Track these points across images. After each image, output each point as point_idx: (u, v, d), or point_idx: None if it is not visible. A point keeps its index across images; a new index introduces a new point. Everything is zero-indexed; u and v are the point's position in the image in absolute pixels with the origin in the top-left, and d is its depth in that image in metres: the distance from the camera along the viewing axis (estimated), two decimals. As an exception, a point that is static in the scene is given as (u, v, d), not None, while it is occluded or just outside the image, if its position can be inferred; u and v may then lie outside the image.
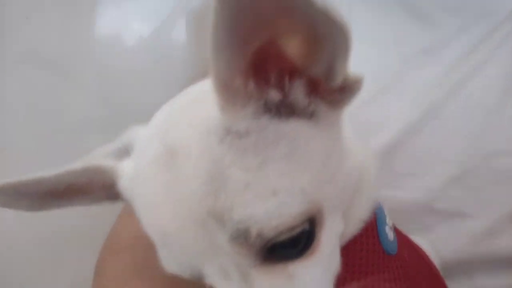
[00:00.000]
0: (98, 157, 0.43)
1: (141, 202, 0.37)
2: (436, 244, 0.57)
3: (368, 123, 0.64)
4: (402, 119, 0.64)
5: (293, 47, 0.29)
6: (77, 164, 0.41)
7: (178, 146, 0.34)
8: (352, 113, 0.63)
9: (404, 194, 0.62)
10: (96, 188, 0.42)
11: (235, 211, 0.31)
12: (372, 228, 0.43)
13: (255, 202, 0.31)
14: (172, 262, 0.37)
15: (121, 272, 0.49)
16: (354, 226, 0.42)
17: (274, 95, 0.32)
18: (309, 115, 0.34)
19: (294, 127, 0.33)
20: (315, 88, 0.33)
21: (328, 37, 0.27)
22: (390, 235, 0.45)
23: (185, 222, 0.33)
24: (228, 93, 0.31)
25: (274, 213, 0.31)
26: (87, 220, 0.87)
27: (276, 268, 0.34)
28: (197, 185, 0.32)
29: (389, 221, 0.46)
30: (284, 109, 0.33)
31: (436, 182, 0.62)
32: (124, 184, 0.39)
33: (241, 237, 0.31)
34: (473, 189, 0.61)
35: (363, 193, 0.42)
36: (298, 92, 0.33)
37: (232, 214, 0.31)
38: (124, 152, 0.41)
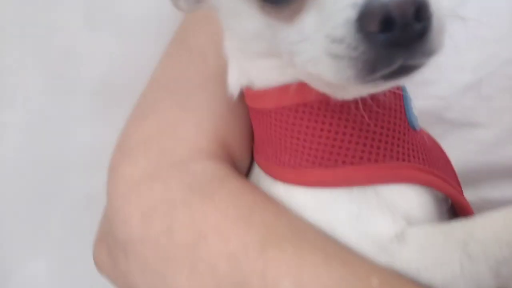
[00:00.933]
0: None
1: None
2: (445, 152, 0.56)
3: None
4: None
5: None
6: None
7: None
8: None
9: (416, 102, 0.60)
10: None
11: None
12: (399, 97, 0.43)
13: None
14: None
15: (134, 176, 0.48)
16: None
17: None
18: None
19: None
20: None
21: None
22: (414, 111, 0.46)
23: None
24: None
25: None
26: (91, 139, 0.87)
27: None
28: None
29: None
30: None
31: (449, 90, 0.60)
32: None
33: None
34: (486, 98, 0.60)
35: None
36: None
37: None
38: None
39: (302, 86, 0.43)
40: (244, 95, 0.50)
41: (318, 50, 0.34)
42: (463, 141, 0.61)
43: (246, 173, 0.54)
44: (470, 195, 0.61)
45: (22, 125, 0.87)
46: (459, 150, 0.60)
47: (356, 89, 0.41)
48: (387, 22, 0.30)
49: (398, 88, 0.45)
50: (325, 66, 0.34)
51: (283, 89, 0.44)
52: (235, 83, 0.50)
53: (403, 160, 0.42)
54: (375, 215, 0.40)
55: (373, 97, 0.42)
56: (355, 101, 0.42)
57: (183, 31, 0.61)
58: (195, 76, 0.54)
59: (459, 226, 0.40)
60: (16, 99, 0.85)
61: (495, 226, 0.37)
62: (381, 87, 0.36)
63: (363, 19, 0.30)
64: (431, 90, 0.60)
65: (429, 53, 0.33)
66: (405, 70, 0.33)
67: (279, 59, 0.41)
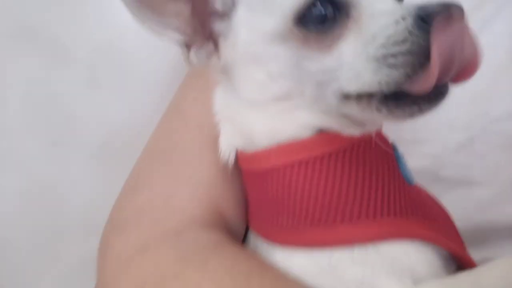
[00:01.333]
0: None
1: None
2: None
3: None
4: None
5: None
6: None
7: None
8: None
9: (411, 161, 0.60)
10: None
11: None
12: (391, 155, 0.44)
13: None
14: None
15: (125, 250, 0.47)
16: None
17: None
18: None
19: None
20: None
21: None
22: (407, 167, 0.46)
23: None
24: None
25: None
26: (89, 205, 0.86)
27: None
28: None
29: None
30: None
31: (443, 148, 0.61)
32: None
33: None
34: (480, 155, 0.60)
35: None
36: None
37: None
38: None
39: (298, 144, 0.44)
40: (238, 159, 0.50)
41: (363, 65, 0.38)
42: (461, 199, 0.61)
43: (243, 239, 0.53)
44: (473, 255, 0.59)
45: (19, 189, 0.86)
46: (459, 209, 0.59)
47: (380, 117, 0.42)
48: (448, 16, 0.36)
49: (388, 146, 0.46)
50: (372, 75, 0.38)
51: (279, 148, 0.45)
52: (228, 146, 0.50)
53: (401, 215, 0.42)
54: (380, 278, 0.39)
55: (368, 143, 0.43)
56: (351, 146, 0.43)
57: (178, 100, 0.62)
58: (190, 144, 0.54)
59: (465, 277, 0.39)
60: (13, 163, 0.85)
61: (502, 272, 0.38)
62: (418, 111, 0.39)
63: (427, 17, 0.36)
64: (424, 149, 0.61)
65: None
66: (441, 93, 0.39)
67: (298, 99, 0.43)
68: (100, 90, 0.88)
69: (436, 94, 0.38)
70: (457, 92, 0.60)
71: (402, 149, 0.60)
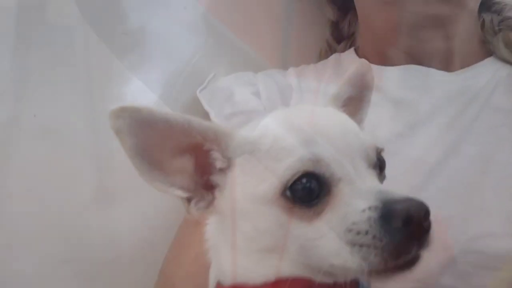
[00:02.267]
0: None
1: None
2: None
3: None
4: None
5: None
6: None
7: None
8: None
9: (395, 286, 0.60)
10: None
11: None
12: None
13: None
14: (323, 156, 0.43)
15: None
16: None
17: None
18: None
19: None
20: None
21: None
22: None
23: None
24: None
25: None
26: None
27: None
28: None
29: None
30: None
31: (424, 272, 0.61)
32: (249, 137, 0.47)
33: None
34: (464, 276, 0.60)
35: None
36: None
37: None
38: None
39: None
40: None
41: (340, 243, 0.41)
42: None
43: None
44: None
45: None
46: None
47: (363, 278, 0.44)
48: (408, 220, 0.39)
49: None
50: (350, 256, 0.40)
51: None
52: (213, 279, 0.52)
53: None
54: None
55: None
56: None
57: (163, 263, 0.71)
58: None
59: None
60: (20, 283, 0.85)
61: None
62: (392, 277, 0.42)
63: (388, 217, 0.39)
64: (409, 273, 0.61)
65: (429, 244, 0.41)
66: (412, 261, 0.42)
67: (283, 253, 0.45)
68: (110, 204, 0.91)
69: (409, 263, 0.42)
70: (433, 214, 0.62)
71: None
